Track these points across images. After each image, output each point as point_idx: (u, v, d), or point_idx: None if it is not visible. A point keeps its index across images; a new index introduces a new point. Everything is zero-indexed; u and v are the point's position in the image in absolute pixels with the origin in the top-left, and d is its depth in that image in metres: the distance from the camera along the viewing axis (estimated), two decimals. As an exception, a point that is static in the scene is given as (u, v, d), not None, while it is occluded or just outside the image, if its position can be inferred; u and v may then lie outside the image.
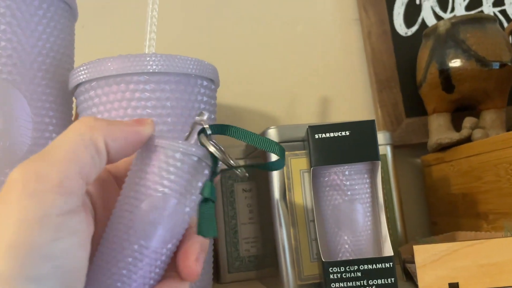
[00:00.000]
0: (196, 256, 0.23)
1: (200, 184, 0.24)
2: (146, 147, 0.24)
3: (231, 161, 0.25)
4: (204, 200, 0.24)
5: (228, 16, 0.71)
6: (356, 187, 0.40)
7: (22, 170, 0.20)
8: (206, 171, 0.24)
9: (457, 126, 0.62)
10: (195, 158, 0.24)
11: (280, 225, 0.44)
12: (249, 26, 0.71)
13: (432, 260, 0.39)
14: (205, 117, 0.25)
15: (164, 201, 0.23)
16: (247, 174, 0.26)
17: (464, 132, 0.58)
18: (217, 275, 0.54)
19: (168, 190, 0.23)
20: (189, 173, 0.24)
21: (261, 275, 0.52)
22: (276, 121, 0.70)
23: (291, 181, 0.44)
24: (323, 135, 0.39)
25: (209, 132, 0.25)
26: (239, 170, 0.26)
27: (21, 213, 0.19)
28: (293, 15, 0.72)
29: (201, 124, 0.25)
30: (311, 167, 0.39)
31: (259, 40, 0.71)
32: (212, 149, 0.24)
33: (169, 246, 0.23)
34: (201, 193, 0.24)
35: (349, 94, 0.71)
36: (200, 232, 0.24)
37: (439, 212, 0.65)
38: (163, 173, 0.23)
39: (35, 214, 0.19)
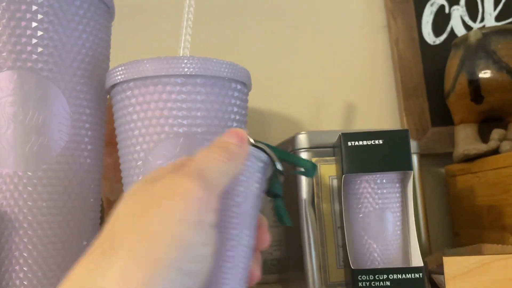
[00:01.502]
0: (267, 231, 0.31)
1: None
2: None
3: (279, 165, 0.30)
4: (276, 196, 0.30)
5: (257, 22, 0.72)
6: (387, 196, 0.40)
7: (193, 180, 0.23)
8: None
9: (483, 137, 0.62)
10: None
11: (308, 230, 0.44)
12: (278, 31, 0.72)
13: (462, 272, 0.39)
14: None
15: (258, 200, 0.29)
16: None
17: (492, 143, 0.57)
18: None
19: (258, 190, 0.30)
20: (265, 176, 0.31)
21: (284, 278, 0.52)
22: (301, 126, 0.70)
23: (320, 186, 0.45)
24: (356, 143, 0.39)
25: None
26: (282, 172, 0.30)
27: (184, 214, 0.21)
28: (321, 21, 0.72)
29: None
30: (342, 174, 0.39)
31: (287, 45, 0.71)
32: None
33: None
34: (271, 190, 0.30)
35: (375, 101, 0.71)
36: (281, 222, 0.30)
37: (462, 224, 0.64)
38: (255, 177, 0.29)
39: (195, 218, 0.22)
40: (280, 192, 0.29)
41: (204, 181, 0.23)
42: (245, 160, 0.27)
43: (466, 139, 0.62)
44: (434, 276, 0.45)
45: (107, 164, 0.54)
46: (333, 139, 0.45)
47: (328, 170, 0.45)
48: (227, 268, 0.28)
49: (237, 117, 0.44)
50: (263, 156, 0.30)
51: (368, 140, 0.39)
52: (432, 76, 0.69)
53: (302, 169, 0.31)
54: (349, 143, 0.39)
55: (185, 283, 0.21)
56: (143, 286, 0.19)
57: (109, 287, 0.19)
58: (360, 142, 0.39)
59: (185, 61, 0.40)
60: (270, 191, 0.30)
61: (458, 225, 0.66)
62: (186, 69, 0.39)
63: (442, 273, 0.43)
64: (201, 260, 0.22)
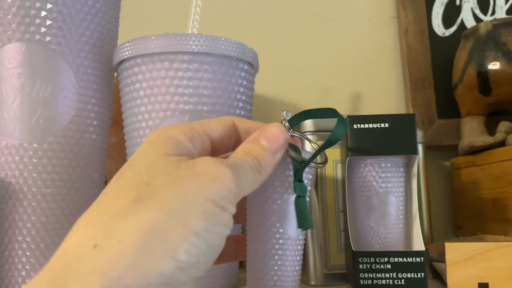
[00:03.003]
0: None
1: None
2: None
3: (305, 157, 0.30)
4: (298, 197, 0.29)
5: (266, 9, 0.71)
6: (391, 180, 0.39)
7: None
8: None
9: (490, 131, 0.62)
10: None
11: (310, 212, 0.44)
12: (286, 19, 0.71)
13: (463, 258, 0.39)
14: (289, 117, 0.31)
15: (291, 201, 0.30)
16: (322, 165, 0.31)
17: (499, 136, 0.57)
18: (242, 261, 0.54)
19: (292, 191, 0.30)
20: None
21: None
22: (306, 114, 0.70)
23: (324, 170, 0.45)
24: (362, 126, 0.39)
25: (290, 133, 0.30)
26: (318, 164, 0.31)
27: (216, 197, 0.23)
28: (331, 10, 0.72)
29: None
30: (347, 157, 0.39)
31: (296, 33, 0.71)
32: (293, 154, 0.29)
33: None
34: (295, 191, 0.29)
35: (382, 92, 0.71)
36: (300, 226, 0.29)
37: (465, 216, 0.64)
38: (289, 179, 0.30)
39: (223, 205, 0.23)
40: (303, 193, 0.29)
41: (238, 180, 0.24)
42: (272, 169, 0.28)
43: (472, 131, 0.61)
44: (436, 264, 0.45)
45: (112, 144, 0.54)
46: (339, 124, 0.44)
47: (332, 154, 0.45)
48: (278, 265, 0.29)
49: (243, 98, 0.44)
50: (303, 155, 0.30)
51: (374, 123, 0.39)
52: (440, 68, 0.69)
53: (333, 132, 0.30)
54: (355, 126, 0.39)
55: (205, 253, 0.21)
56: (169, 244, 0.20)
57: (132, 236, 0.19)
58: (366, 125, 0.39)
59: (193, 38, 0.40)
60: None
61: (461, 217, 0.65)
62: (194, 47, 0.39)
63: (444, 261, 0.42)
64: (221, 238, 0.23)
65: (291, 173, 0.31)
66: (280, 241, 0.29)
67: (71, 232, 0.21)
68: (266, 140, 0.27)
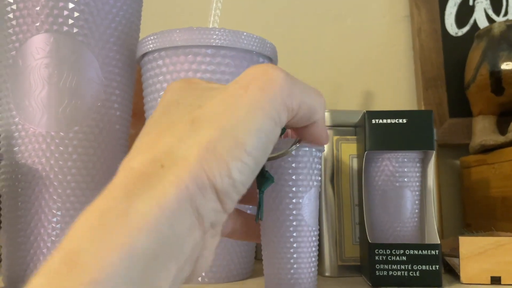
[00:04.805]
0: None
1: None
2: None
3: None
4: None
5: (279, 6, 0.72)
6: (408, 174, 0.40)
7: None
8: None
9: (501, 131, 0.62)
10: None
11: (326, 206, 0.45)
12: (300, 16, 0.72)
13: (477, 252, 0.39)
14: None
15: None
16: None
17: (510, 135, 0.58)
18: (256, 251, 0.55)
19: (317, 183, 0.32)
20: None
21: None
22: (318, 110, 0.71)
23: (340, 164, 0.46)
24: (380, 121, 0.40)
25: None
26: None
27: (267, 105, 0.22)
28: (343, 8, 0.73)
29: None
30: (365, 151, 0.40)
31: (309, 30, 0.72)
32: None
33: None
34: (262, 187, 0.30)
35: (394, 90, 0.72)
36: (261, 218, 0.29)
37: (475, 215, 0.65)
38: (315, 171, 0.32)
39: (274, 113, 0.22)
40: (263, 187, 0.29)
41: (292, 85, 0.23)
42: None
43: (483, 130, 0.62)
44: (448, 259, 0.46)
45: (131, 135, 0.55)
46: (355, 119, 0.45)
47: (348, 148, 0.46)
48: (295, 253, 0.30)
49: (263, 92, 0.44)
50: (321, 147, 0.31)
51: (392, 119, 0.40)
52: (452, 67, 0.69)
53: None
54: (373, 121, 0.40)
55: (254, 171, 0.22)
56: (223, 163, 0.20)
57: (192, 154, 0.20)
58: (384, 121, 0.40)
59: (217, 32, 0.41)
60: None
61: (470, 215, 0.66)
62: (217, 40, 0.40)
63: (456, 256, 0.43)
64: (266, 155, 0.23)
65: (318, 166, 0.32)
66: (298, 228, 0.30)
67: (132, 154, 0.21)
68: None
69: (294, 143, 0.30)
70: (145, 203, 0.18)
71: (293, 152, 0.30)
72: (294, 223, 0.31)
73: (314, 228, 0.32)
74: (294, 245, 0.30)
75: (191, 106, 0.22)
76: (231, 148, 0.21)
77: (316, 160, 0.31)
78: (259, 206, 0.29)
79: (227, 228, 0.30)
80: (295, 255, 0.31)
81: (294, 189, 0.31)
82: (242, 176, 0.21)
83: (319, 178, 0.32)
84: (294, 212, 0.31)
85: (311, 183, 0.31)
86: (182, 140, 0.21)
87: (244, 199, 0.30)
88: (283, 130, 0.29)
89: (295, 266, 0.31)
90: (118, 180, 0.20)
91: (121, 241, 0.17)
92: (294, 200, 0.31)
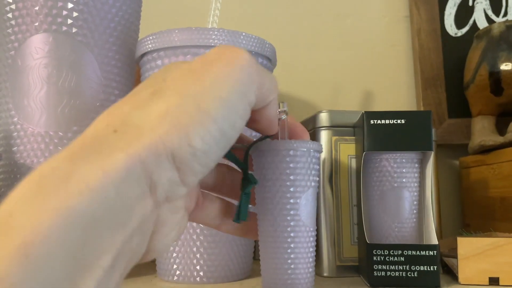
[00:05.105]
0: None
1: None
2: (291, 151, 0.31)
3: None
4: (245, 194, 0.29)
5: (279, 5, 0.72)
6: (406, 175, 0.40)
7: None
8: None
9: (500, 131, 0.62)
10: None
11: (325, 206, 0.45)
12: (300, 16, 0.72)
13: (475, 253, 0.39)
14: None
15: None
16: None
17: (509, 136, 0.58)
18: (255, 251, 0.55)
19: (314, 183, 0.32)
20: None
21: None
22: (316, 110, 0.71)
23: (339, 164, 0.46)
24: (378, 122, 0.40)
25: None
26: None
27: (235, 82, 0.22)
28: (344, 8, 0.73)
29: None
30: (363, 151, 0.40)
31: (309, 30, 0.72)
32: None
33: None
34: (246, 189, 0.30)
35: (393, 90, 0.72)
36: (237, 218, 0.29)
37: (473, 214, 0.65)
38: (313, 171, 0.32)
39: (243, 89, 0.22)
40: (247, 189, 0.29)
41: (258, 65, 0.23)
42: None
43: (482, 130, 0.62)
44: (446, 259, 0.46)
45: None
46: (353, 119, 0.45)
47: (347, 149, 0.46)
48: (292, 252, 0.31)
49: (262, 92, 0.44)
50: (319, 146, 0.32)
51: (390, 119, 0.40)
52: (451, 68, 0.69)
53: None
54: (372, 121, 0.40)
55: (218, 143, 0.21)
56: (183, 128, 0.20)
57: (148, 121, 0.20)
58: (382, 121, 0.40)
59: (216, 32, 0.41)
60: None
61: (469, 216, 0.66)
62: (216, 41, 0.40)
63: (454, 257, 0.43)
64: (235, 128, 0.22)
65: (316, 166, 0.32)
66: (295, 228, 0.31)
67: (92, 124, 0.21)
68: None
69: (261, 139, 0.30)
70: (89, 166, 0.17)
71: (290, 153, 0.30)
72: (292, 223, 0.30)
73: (311, 229, 0.32)
74: (292, 245, 0.30)
75: (156, 79, 0.22)
76: (192, 113, 0.20)
77: (314, 160, 0.31)
78: (239, 207, 0.29)
79: (217, 218, 0.29)
80: (292, 256, 0.31)
81: (291, 189, 0.31)
82: (205, 145, 0.20)
83: (317, 178, 0.32)
84: (291, 212, 0.31)
85: (308, 183, 0.31)
86: (140, 108, 0.20)
87: (227, 192, 0.30)
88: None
89: (292, 266, 0.31)
90: (67, 149, 0.19)
91: (59, 204, 0.16)
92: (291, 200, 0.31)
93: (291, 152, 0.30)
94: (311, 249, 0.32)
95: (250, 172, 0.30)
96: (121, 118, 0.20)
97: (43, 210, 0.16)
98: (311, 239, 0.32)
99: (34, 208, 0.16)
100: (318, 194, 0.46)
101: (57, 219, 0.16)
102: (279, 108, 0.30)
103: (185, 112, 0.20)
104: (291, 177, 0.31)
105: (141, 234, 0.19)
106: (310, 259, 0.32)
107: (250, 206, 0.29)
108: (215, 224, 0.30)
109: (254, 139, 0.31)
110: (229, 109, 0.21)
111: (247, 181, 0.29)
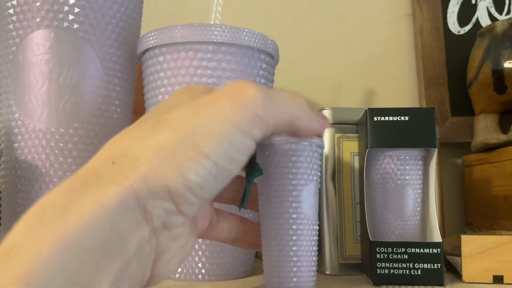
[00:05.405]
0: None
1: None
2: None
3: None
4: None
5: (281, 3, 0.72)
6: (410, 172, 0.40)
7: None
8: None
9: (503, 129, 0.62)
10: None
11: (327, 204, 0.45)
12: (302, 13, 0.72)
13: (479, 251, 0.39)
14: None
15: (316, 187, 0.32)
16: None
17: (513, 134, 0.57)
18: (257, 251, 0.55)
19: (316, 178, 0.32)
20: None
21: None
22: (318, 107, 0.70)
23: (342, 162, 0.45)
24: (382, 118, 0.39)
25: None
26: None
27: (237, 118, 0.23)
28: (346, 6, 0.73)
29: None
30: (367, 148, 0.40)
31: (311, 27, 0.72)
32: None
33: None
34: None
35: (395, 89, 0.71)
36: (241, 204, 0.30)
37: (476, 213, 0.65)
38: (315, 166, 0.32)
39: (245, 127, 0.23)
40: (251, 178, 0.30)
41: (269, 103, 0.23)
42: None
43: (485, 128, 0.62)
44: (450, 257, 0.45)
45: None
46: (357, 116, 0.45)
47: (350, 146, 0.45)
48: (294, 251, 0.31)
49: (264, 89, 0.44)
50: (321, 142, 0.32)
51: (394, 116, 0.39)
52: (454, 66, 0.69)
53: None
54: (375, 118, 0.40)
55: (216, 177, 0.22)
56: (176, 162, 0.20)
57: (145, 154, 0.21)
58: (386, 118, 0.39)
59: (218, 28, 0.40)
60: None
61: (471, 214, 0.66)
62: (218, 37, 0.40)
63: (457, 255, 0.43)
64: (234, 162, 0.23)
65: (318, 162, 0.32)
66: (297, 221, 0.31)
67: (96, 155, 0.22)
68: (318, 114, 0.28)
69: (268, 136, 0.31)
70: (85, 199, 0.19)
71: (293, 146, 0.31)
72: (294, 215, 0.31)
73: (314, 222, 0.32)
74: (294, 237, 0.30)
75: (159, 111, 0.23)
76: (187, 150, 0.21)
77: (316, 155, 0.32)
78: (244, 195, 0.29)
79: (230, 235, 0.31)
80: (294, 248, 0.31)
81: (293, 182, 0.31)
82: (199, 178, 0.21)
83: (319, 173, 0.32)
84: (293, 205, 0.31)
85: (310, 177, 0.32)
86: (139, 140, 0.21)
87: (226, 199, 0.31)
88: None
89: (294, 259, 0.31)
90: (68, 181, 0.20)
91: (57, 235, 0.17)
92: (293, 193, 0.31)
93: (293, 146, 0.31)
94: (313, 243, 0.32)
95: (256, 161, 0.30)
96: (121, 149, 0.21)
97: (43, 242, 0.17)
98: (314, 232, 0.32)
99: (34, 239, 0.17)
100: (320, 191, 0.45)
101: (55, 250, 0.17)
102: None
103: (180, 148, 0.21)
104: (293, 170, 0.31)
105: (139, 260, 0.20)
106: (313, 253, 0.32)
107: (250, 215, 0.30)
108: (229, 240, 0.31)
109: None
110: (226, 146, 0.22)
111: (253, 169, 0.29)
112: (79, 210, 0.18)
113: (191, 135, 0.21)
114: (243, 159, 0.23)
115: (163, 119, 0.22)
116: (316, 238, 0.32)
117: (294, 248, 0.31)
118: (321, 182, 0.45)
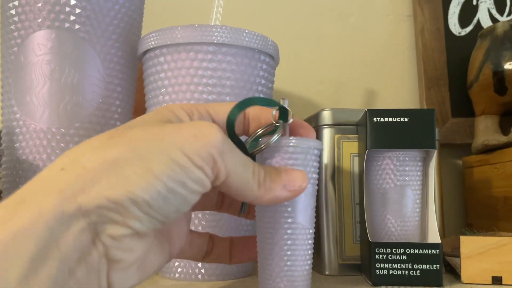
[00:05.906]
0: None
1: None
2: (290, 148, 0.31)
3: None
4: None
5: (282, 3, 0.72)
6: (409, 173, 0.40)
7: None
8: None
9: (504, 130, 0.62)
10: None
11: (327, 204, 0.45)
12: (303, 14, 0.72)
13: (478, 252, 0.39)
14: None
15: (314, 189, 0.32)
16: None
17: (513, 135, 0.58)
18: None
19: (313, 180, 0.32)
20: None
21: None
22: (318, 108, 0.70)
23: (341, 163, 0.45)
24: (382, 119, 0.40)
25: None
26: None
27: (192, 152, 0.23)
28: (347, 6, 0.73)
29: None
30: (366, 149, 0.40)
31: (312, 27, 0.72)
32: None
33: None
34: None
35: (396, 89, 0.72)
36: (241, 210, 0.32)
37: (476, 214, 0.65)
38: (312, 168, 0.31)
39: (200, 164, 0.23)
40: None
41: (227, 152, 0.24)
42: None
43: (486, 129, 0.62)
44: (449, 259, 0.46)
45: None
46: (356, 117, 0.45)
47: (349, 147, 0.46)
48: (288, 256, 0.31)
49: (264, 90, 0.44)
50: (319, 143, 0.32)
51: (394, 117, 0.40)
52: (455, 67, 0.69)
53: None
54: (375, 119, 0.40)
55: (165, 199, 0.22)
56: (123, 177, 0.21)
57: (94, 164, 0.21)
58: (386, 119, 0.40)
59: (218, 29, 0.40)
60: None
61: (471, 215, 0.66)
62: (219, 38, 0.40)
63: (457, 256, 0.43)
64: (187, 188, 0.23)
65: (315, 164, 0.32)
66: (290, 231, 0.30)
67: (54, 162, 0.23)
68: (286, 181, 0.28)
69: (275, 134, 0.30)
70: (27, 208, 0.19)
71: (291, 148, 0.31)
72: (289, 220, 0.30)
73: (309, 226, 0.31)
74: (288, 242, 0.30)
75: (126, 125, 0.24)
76: (136, 167, 0.21)
77: (313, 157, 0.31)
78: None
79: (201, 252, 0.33)
80: (288, 252, 0.30)
81: None
82: (146, 195, 0.21)
83: (316, 176, 0.32)
84: (289, 209, 0.30)
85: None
86: (93, 150, 0.22)
87: (227, 210, 0.33)
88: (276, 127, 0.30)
89: (288, 263, 0.30)
90: (18, 191, 0.21)
91: (1, 244, 0.18)
92: None
93: (290, 149, 0.30)
94: (308, 247, 0.31)
95: None
96: (74, 157, 0.22)
97: None
98: (309, 236, 0.31)
99: None
100: (320, 192, 0.46)
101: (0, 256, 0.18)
102: (280, 103, 0.31)
103: (130, 164, 0.21)
104: None
105: (87, 266, 0.20)
106: (307, 257, 0.31)
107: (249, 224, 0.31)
108: (199, 257, 0.33)
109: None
110: (178, 171, 0.22)
111: None
112: (19, 219, 0.19)
113: (144, 155, 0.22)
114: (198, 188, 0.23)
115: (123, 134, 0.23)
116: (311, 242, 0.32)
117: (288, 253, 0.30)
118: (320, 183, 0.45)
